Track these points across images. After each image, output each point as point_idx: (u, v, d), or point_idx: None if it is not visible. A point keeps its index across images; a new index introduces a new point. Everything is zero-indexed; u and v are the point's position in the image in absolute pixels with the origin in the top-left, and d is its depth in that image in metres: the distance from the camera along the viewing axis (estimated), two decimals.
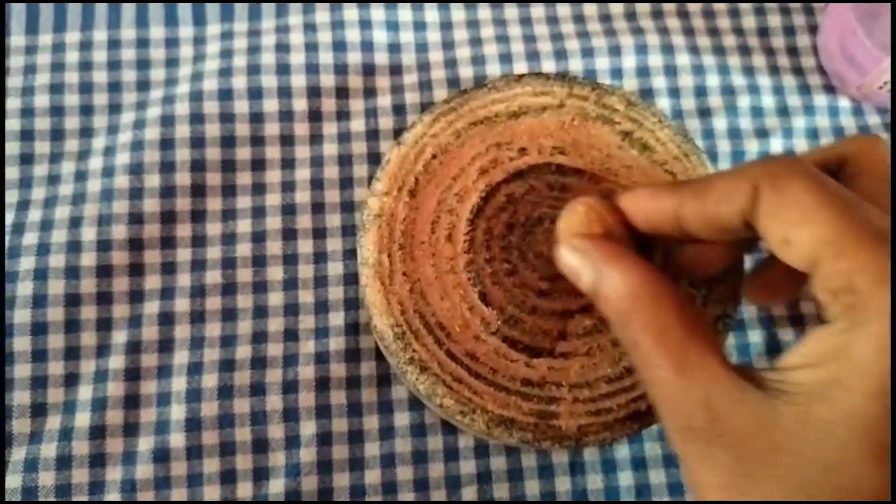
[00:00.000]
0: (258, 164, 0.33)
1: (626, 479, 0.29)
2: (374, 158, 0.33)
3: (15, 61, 0.34)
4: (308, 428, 0.29)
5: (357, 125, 0.33)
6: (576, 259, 0.23)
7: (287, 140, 0.33)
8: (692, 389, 0.19)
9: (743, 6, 0.36)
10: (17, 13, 0.35)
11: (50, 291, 0.30)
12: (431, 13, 0.36)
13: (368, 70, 0.34)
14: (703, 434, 0.18)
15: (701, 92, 0.35)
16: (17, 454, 0.29)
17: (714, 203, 0.21)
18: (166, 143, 0.32)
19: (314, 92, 0.34)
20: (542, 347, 0.26)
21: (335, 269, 0.31)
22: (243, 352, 0.30)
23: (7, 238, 0.31)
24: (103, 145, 0.33)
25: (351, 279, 0.31)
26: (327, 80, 0.34)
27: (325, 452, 0.29)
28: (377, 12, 0.35)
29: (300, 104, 0.33)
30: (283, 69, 0.34)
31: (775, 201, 0.19)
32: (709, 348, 0.19)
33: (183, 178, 0.32)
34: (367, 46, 0.35)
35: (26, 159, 0.33)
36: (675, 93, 0.35)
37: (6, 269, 0.30)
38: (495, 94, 0.29)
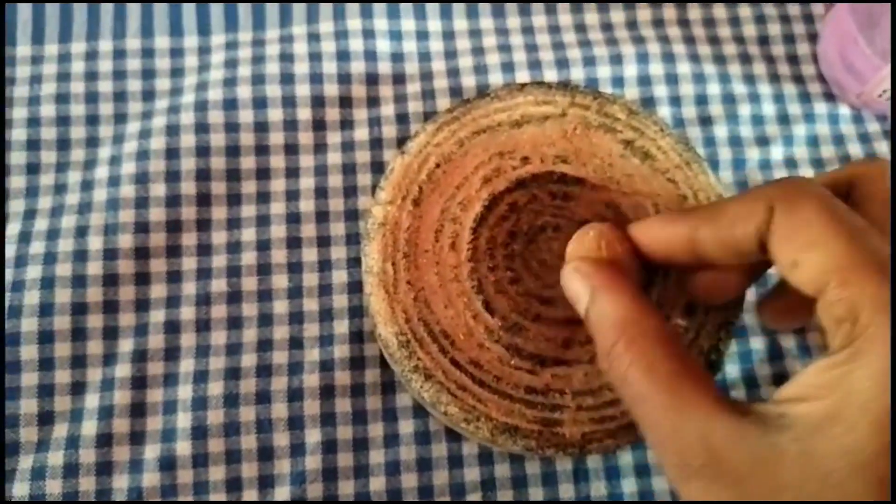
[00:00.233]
0: (263, 173, 0.33)
1: (629, 485, 0.30)
2: (378, 167, 0.33)
3: (21, 71, 0.34)
4: (313, 436, 0.30)
5: (360, 134, 0.34)
6: (576, 282, 0.23)
7: (291, 149, 0.33)
8: (688, 427, 0.18)
9: (743, 15, 0.37)
10: (22, 23, 0.35)
11: (57, 300, 0.30)
12: (434, 23, 0.36)
13: (371, 79, 0.34)
14: (704, 472, 0.18)
15: (702, 100, 0.35)
16: (25, 462, 0.29)
17: (729, 225, 0.21)
18: (172, 153, 0.32)
19: (318, 101, 0.34)
20: (546, 355, 0.26)
21: (339, 277, 0.32)
22: (249, 360, 0.30)
23: (14, 247, 0.31)
24: (109, 155, 0.33)
25: (355, 287, 0.31)
26: (331, 90, 0.34)
27: (329, 460, 0.29)
28: (380, 22, 0.35)
29: (304, 113, 0.34)
30: (287, 79, 0.34)
31: (787, 223, 0.19)
32: (701, 384, 0.19)
33: (188, 188, 0.32)
34: (370, 56, 0.35)
35: (32, 169, 0.33)
36: (676, 101, 0.35)
37: (13, 278, 0.31)
38: (498, 103, 0.29)
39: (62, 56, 0.34)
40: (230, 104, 0.33)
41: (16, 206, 0.32)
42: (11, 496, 0.28)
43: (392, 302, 0.26)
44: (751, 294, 0.31)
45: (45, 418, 0.29)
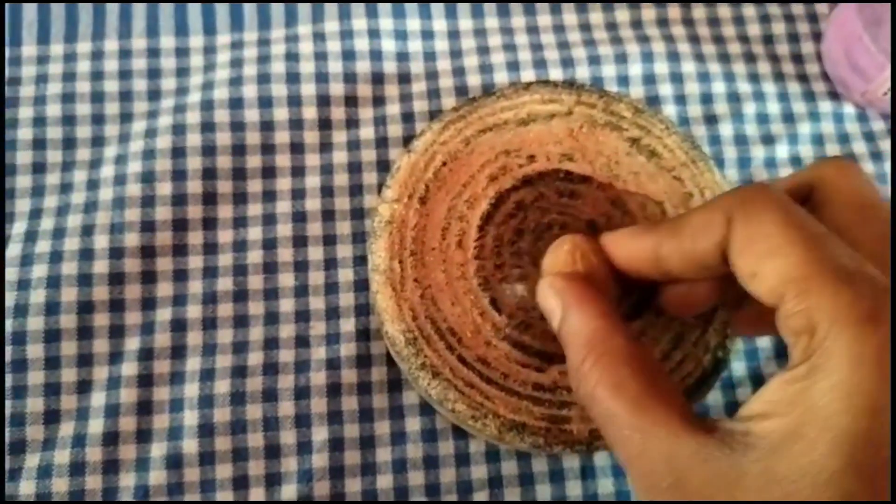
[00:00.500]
0: (269, 172, 0.33)
1: None
2: (384, 166, 0.33)
3: (27, 71, 0.34)
4: (320, 433, 0.30)
5: (366, 133, 0.34)
6: (550, 298, 0.22)
7: (297, 148, 0.33)
8: (654, 448, 0.18)
9: (748, 14, 0.37)
10: (28, 23, 0.35)
11: (63, 299, 0.30)
12: (439, 22, 0.36)
13: (377, 79, 0.35)
14: (669, 494, 0.18)
15: (707, 99, 0.35)
16: (31, 461, 0.29)
17: (691, 239, 0.20)
18: (177, 152, 0.32)
19: (324, 100, 0.34)
20: (553, 352, 0.26)
21: (346, 275, 0.32)
22: (255, 358, 0.30)
23: (20, 246, 0.31)
24: (115, 154, 0.33)
25: (361, 286, 0.32)
26: (336, 89, 0.34)
27: (336, 458, 0.29)
28: (385, 21, 0.35)
29: (310, 112, 0.34)
30: (292, 78, 0.34)
31: (745, 234, 0.19)
32: (668, 402, 0.19)
33: (194, 186, 0.32)
34: (375, 55, 0.35)
35: (38, 168, 0.33)
36: (681, 100, 0.35)
37: (19, 276, 0.31)
38: (504, 101, 0.29)
39: (68, 56, 0.35)
40: (236, 103, 0.33)
41: (22, 205, 0.32)
42: (18, 495, 0.28)
43: (399, 299, 0.26)
44: None
45: (52, 417, 0.29)
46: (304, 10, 0.36)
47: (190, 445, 0.29)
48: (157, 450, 0.29)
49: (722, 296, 0.23)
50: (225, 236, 0.32)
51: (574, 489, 0.29)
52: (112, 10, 0.35)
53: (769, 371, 0.31)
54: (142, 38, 0.35)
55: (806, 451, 0.16)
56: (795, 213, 0.19)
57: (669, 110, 0.35)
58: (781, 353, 0.31)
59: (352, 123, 0.34)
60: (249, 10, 0.36)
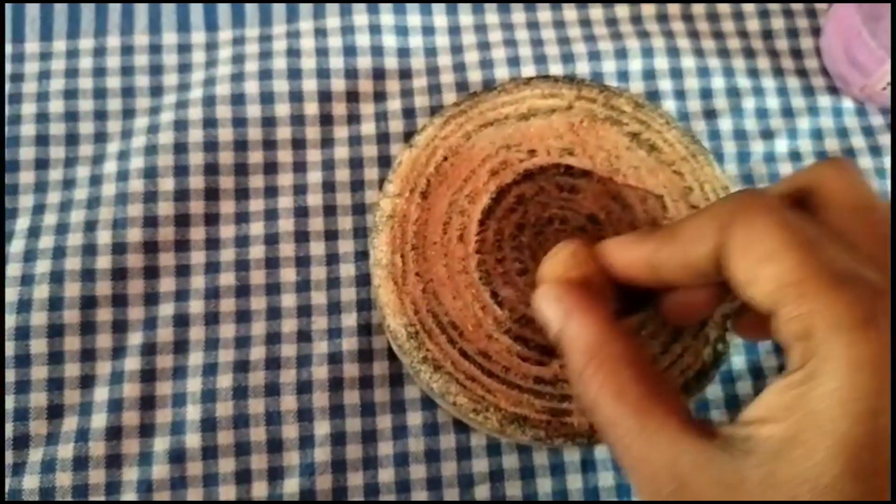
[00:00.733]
0: (270, 168, 0.33)
1: None
2: (385, 161, 0.33)
3: (30, 67, 0.34)
4: (322, 428, 0.30)
5: (368, 128, 0.34)
6: (547, 306, 0.22)
7: (299, 144, 0.33)
8: (656, 455, 0.18)
9: (747, 9, 0.37)
10: (31, 20, 0.35)
11: (66, 294, 0.30)
12: (440, 18, 0.36)
13: (378, 74, 0.35)
14: (673, 500, 0.18)
15: (706, 94, 0.35)
16: (35, 455, 0.29)
17: (685, 246, 0.20)
18: (180, 148, 0.33)
19: (325, 96, 0.34)
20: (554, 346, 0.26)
21: (347, 270, 0.32)
22: (257, 353, 0.30)
23: (23, 242, 0.31)
24: (117, 150, 0.33)
25: (363, 280, 0.32)
26: (338, 85, 0.34)
27: (339, 452, 0.30)
28: (386, 17, 0.36)
29: (311, 108, 0.34)
30: (294, 74, 0.34)
31: (740, 240, 0.19)
32: (669, 408, 0.19)
33: (196, 182, 0.32)
34: (376, 51, 0.35)
35: (41, 164, 0.33)
36: (680, 95, 0.35)
37: (22, 272, 0.31)
38: (504, 96, 0.29)
39: (70, 52, 0.35)
40: (238, 99, 0.34)
41: (25, 200, 0.32)
42: (22, 489, 0.28)
43: (401, 293, 0.27)
44: None
45: (55, 411, 0.29)
46: (305, 6, 0.36)
47: (193, 440, 0.29)
48: (160, 444, 0.29)
49: (721, 302, 0.23)
50: (227, 232, 0.32)
51: (575, 482, 0.30)
52: (114, 6, 0.35)
53: (769, 365, 0.31)
54: (144, 35, 0.35)
55: (805, 457, 0.16)
56: (789, 218, 0.19)
57: (669, 105, 0.35)
58: (781, 348, 0.31)
59: (353, 119, 0.34)
60: (251, 6, 0.36)
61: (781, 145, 0.35)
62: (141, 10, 0.36)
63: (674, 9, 0.37)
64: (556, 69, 0.35)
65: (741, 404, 0.31)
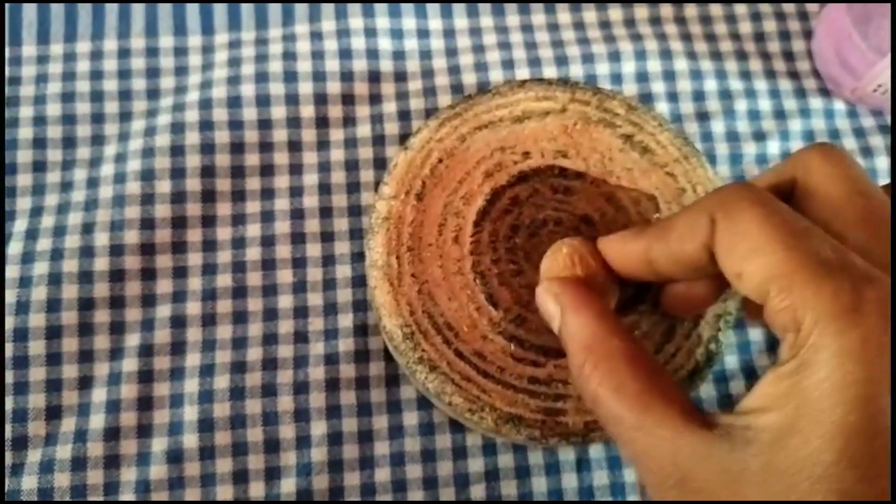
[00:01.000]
0: (267, 170, 0.33)
1: (631, 475, 0.30)
2: (380, 163, 0.34)
3: (27, 71, 0.34)
4: (319, 428, 0.30)
5: (363, 131, 0.34)
6: (549, 302, 0.23)
7: (295, 146, 0.34)
8: (658, 447, 0.19)
9: (739, 12, 0.37)
10: (28, 23, 0.35)
11: (64, 296, 0.31)
12: (435, 21, 0.36)
13: (374, 77, 0.35)
14: (677, 491, 0.18)
15: (699, 96, 0.35)
16: (33, 456, 0.29)
17: (677, 241, 0.21)
18: (176, 150, 0.33)
19: (321, 99, 0.34)
20: (549, 346, 0.26)
21: (343, 272, 0.32)
22: (254, 354, 0.31)
23: (21, 244, 0.31)
24: (115, 152, 0.33)
25: (359, 282, 0.32)
26: (334, 88, 0.35)
27: (335, 452, 0.30)
28: (382, 20, 0.36)
29: (307, 111, 0.34)
30: (290, 77, 0.34)
31: (728, 234, 0.19)
32: (669, 401, 0.19)
33: (193, 184, 0.32)
34: (372, 54, 0.35)
35: (39, 167, 0.33)
36: (673, 97, 0.35)
37: (20, 274, 0.31)
38: (499, 99, 0.30)
39: (67, 55, 0.35)
40: (234, 102, 0.34)
41: (22, 203, 0.33)
42: (20, 490, 0.29)
43: (396, 294, 0.27)
44: None
45: (53, 412, 0.30)
46: (301, 9, 0.36)
47: (190, 440, 0.29)
48: (158, 444, 0.29)
49: (722, 293, 0.24)
50: (224, 233, 0.32)
51: (570, 481, 0.30)
52: (111, 9, 0.36)
53: (761, 364, 0.32)
54: (141, 38, 0.35)
55: (801, 446, 0.17)
56: (775, 210, 0.19)
57: (662, 107, 0.35)
58: (773, 346, 0.32)
59: (349, 121, 0.34)
60: (247, 9, 0.36)
61: (773, 147, 0.35)
62: (137, 14, 0.36)
63: (666, 11, 0.37)
64: (550, 72, 0.35)
65: (734, 404, 0.31)
